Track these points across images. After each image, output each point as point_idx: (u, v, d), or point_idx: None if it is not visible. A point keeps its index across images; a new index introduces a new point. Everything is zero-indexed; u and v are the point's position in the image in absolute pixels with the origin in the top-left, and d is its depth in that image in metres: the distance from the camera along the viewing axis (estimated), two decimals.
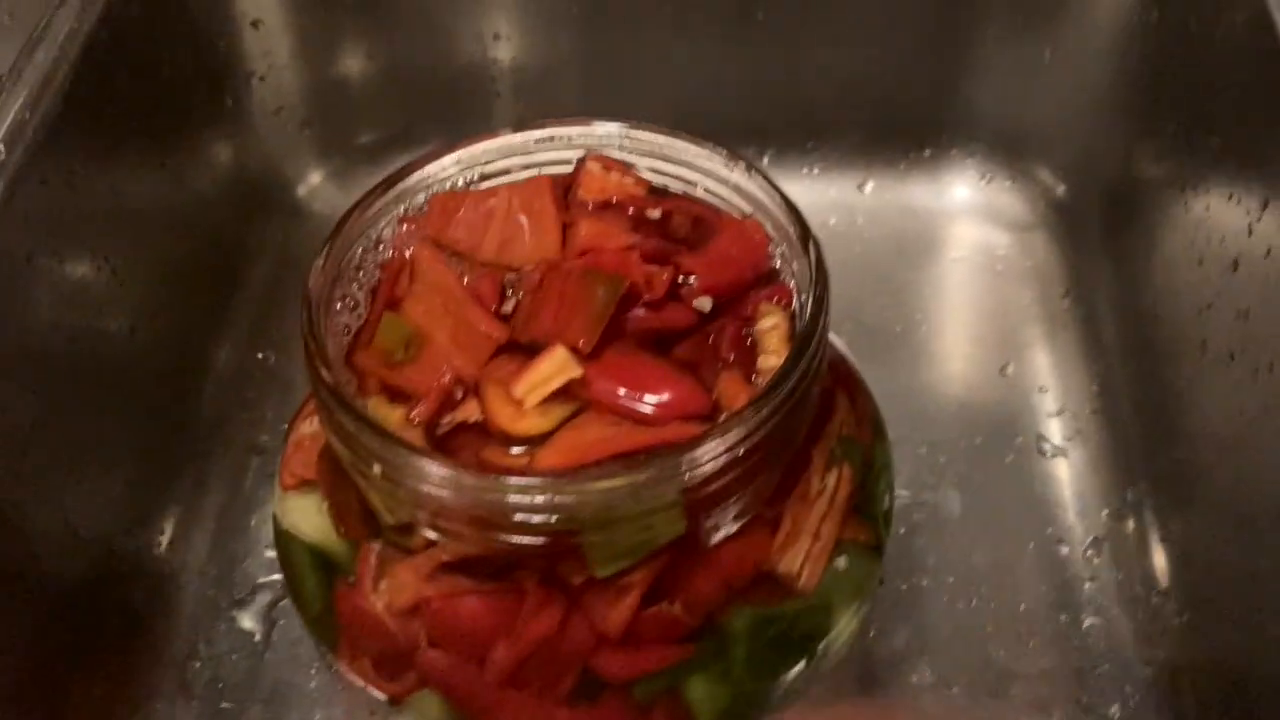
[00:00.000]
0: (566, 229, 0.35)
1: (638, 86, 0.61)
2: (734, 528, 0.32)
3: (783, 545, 0.32)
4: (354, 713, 0.45)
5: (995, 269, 0.60)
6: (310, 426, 0.36)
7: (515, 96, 0.62)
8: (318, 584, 0.34)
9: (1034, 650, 0.46)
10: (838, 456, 0.34)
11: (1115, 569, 0.49)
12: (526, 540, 0.29)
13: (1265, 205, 0.42)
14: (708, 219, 0.35)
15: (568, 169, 0.36)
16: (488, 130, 0.36)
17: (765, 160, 0.63)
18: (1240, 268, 0.44)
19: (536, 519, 0.28)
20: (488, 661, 0.31)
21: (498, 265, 0.34)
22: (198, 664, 0.47)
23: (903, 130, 0.63)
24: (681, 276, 0.34)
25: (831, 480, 0.33)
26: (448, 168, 0.35)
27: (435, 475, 0.27)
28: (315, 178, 0.63)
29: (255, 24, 0.58)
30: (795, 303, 0.33)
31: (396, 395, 0.32)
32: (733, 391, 0.32)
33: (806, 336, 0.30)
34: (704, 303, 0.33)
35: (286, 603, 0.48)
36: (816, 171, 0.64)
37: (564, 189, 0.36)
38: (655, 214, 0.35)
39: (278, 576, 0.49)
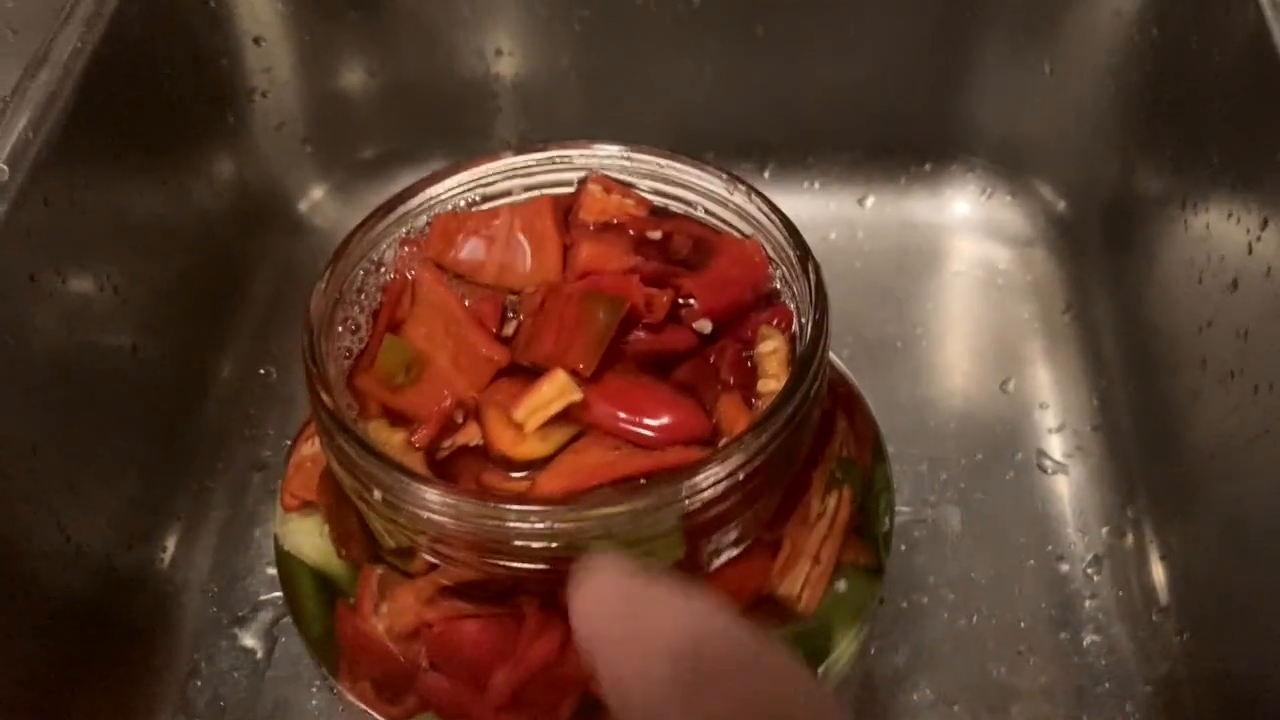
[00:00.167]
0: (567, 250, 0.35)
1: (639, 102, 0.61)
2: (734, 551, 0.32)
3: (782, 569, 0.32)
4: None
5: (996, 284, 0.60)
6: (311, 448, 0.36)
7: (517, 112, 0.62)
8: (319, 606, 0.34)
9: (1034, 668, 0.46)
10: (837, 479, 0.34)
11: (1115, 586, 0.49)
12: (527, 566, 0.29)
13: (1265, 224, 0.42)
14: (708, 240, 0.35)
15: (569, 190, 0.36)
16: (489, 145, 0.36)
17: (766, 175, 0.64)
18: (1240, 286, 0.44)
19: (537, 545, 0.28)
20: (488, 685, 0.31)
21: (499, 287, 0.34)
22: (199, 682, 0.47)
23: (903, 145, 0.63)
24: (682, 299, 0.34)
25: (831, 503, 0.33)
26: (449, 189, 0.35)
27: (436, 502, 0.27)
28: (317, 193, 0.63)
29: (257, 41, 0.58)
30: (795, 325, 0.33)
31: (397, 419, 0.32)
32: (732, 415, 0.32)
33: (806, 360, 0.30)
34: (704, 325, 0.33)
35: (288, 620, 0.48)
36: (817, 186, 0.64)
37: (565, 210, 0.36)
38: (656, 235, 0.35)
39: (279, 594, 0.49)
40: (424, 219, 0.35)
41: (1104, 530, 0.50)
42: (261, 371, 0.57)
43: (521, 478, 0.30)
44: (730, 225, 0.35)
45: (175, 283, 0.53)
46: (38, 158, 0.42)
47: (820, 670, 0.34)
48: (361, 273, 0.34)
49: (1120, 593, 0.48)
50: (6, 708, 0.41)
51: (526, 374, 0.32)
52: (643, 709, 0.22)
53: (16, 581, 0.42)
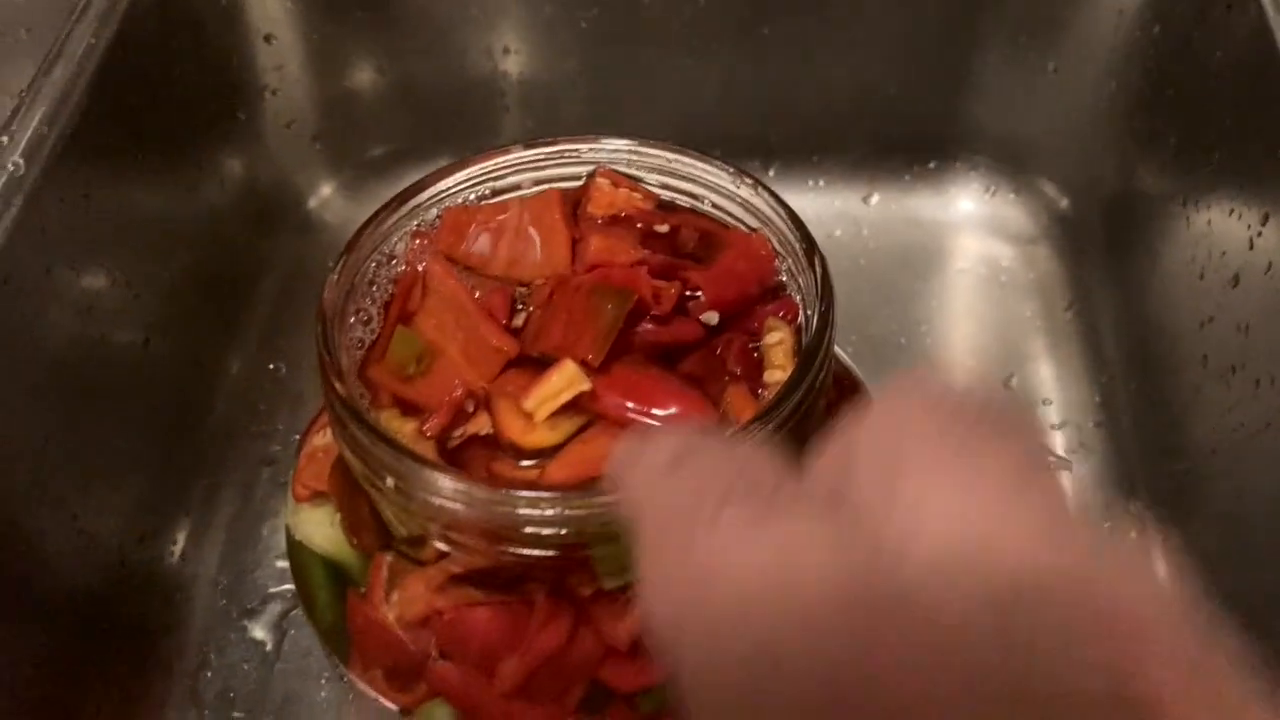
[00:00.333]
0: (576, 243, 0.35)
1: (645, 100, 0.62)
2: None
3: None
4: None
5: (999, 281, 0.61)
6: (323, 439, 0.36)
7: (524, 110, 0.62)
8: (330, 595, 0.34)
9: None
10: None
11: None
12: (537, 553, 0.29)
13: (1266, 220, 0.42)
14: (715, 234, 0.36)
15: (577, 184, 0.37)
16: (497, 143, 0.37)
17: (771, 173, 0.64)
18: (1241, 282, 0.44)
19: (547, 532, 0.28)
20: (498, 672, 0.31)
21: (508, 280, 0.35)
22: (209, 674, 0.47)
23: (907, 143, 0.64)
24: (689, 291, 0.34)
25: None
26: (459, 183, 0.36)
27: (448, 489, 0.28)
28: (326, 190, 0.64)
29: (268, 39, 0.58)
30: (801, 317, 0.34)
31: (409, 408, 0.32)
32: (739, 405, 0.32)
33: (812, 352, 0.30)
34: (710, 317, 0.34)
35: (297, 613, 0.49)
36: (822, 184, 0.64)
37: (573, 204, 0.36)
38: (663, 229, 0.36)
39: (288, 587, 0.49)
40: (434, 212, 0.36)
41: (1105, 526, 0.50)
42: (271, 367, 0.57)
43: (531, 466, 0.31)
44: (737, 219, 0.36)
45: (185, 279, 0.54)
46: (53, 152, 0.42)
47: None
48: (373, 265, 0.34)
49: None
50: (20, 699, 0.41)
51: (536, 365, 0.32)
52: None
53: (28, 576, 0.42)
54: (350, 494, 0.33)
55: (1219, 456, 0.46)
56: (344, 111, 0.62)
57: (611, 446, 0.31)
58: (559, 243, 0.35)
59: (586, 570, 0.30)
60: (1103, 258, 0.58)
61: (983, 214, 0.63)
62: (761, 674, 0.16)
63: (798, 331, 0.33)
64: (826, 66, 0.61)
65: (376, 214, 0.34)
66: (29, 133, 0.42)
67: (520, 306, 0.34)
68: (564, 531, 0.28)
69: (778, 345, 0.33)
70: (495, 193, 0.37)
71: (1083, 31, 0.57)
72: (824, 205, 0.63)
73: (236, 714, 0.46)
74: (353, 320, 0.33)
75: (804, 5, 0.59)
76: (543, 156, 0.37)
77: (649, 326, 0.33)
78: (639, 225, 0.36)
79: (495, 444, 0.31)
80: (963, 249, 0.62)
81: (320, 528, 0.35)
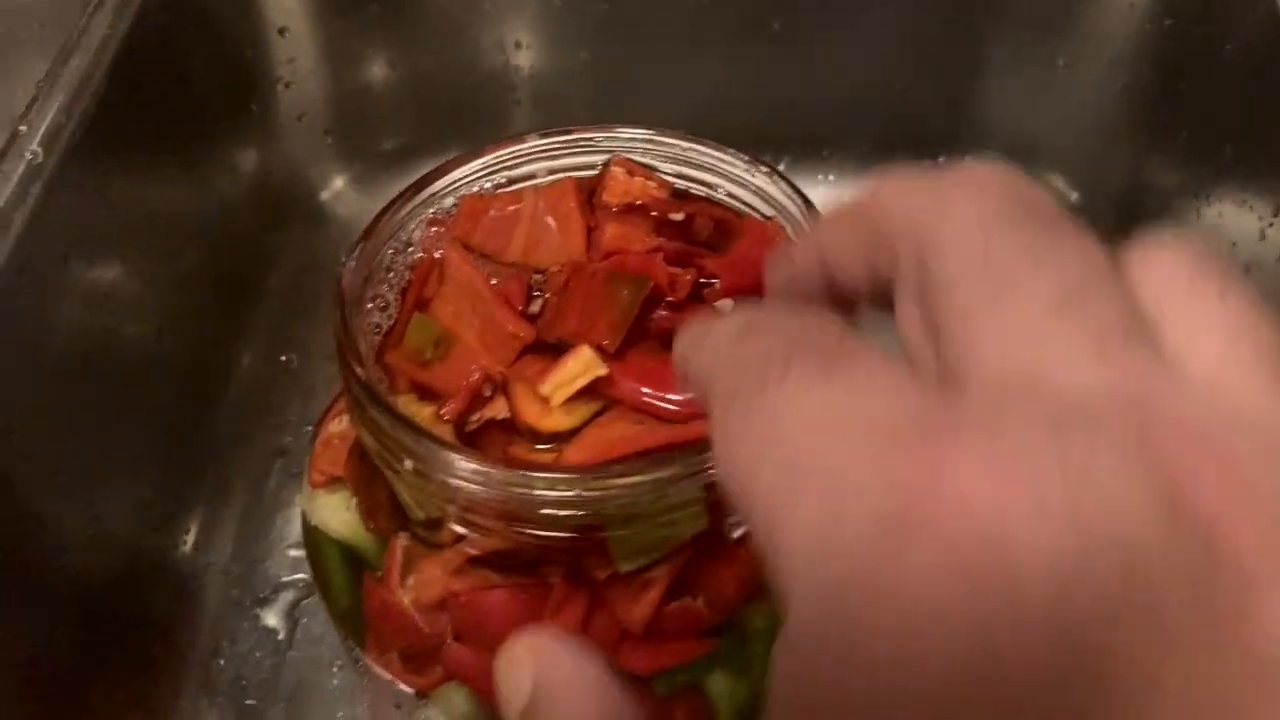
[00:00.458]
0: (591, 231, 0.36)
1: (655, 94, 0.62)
2: None
3: None
4: (379, 708, 0.45)
5: None
6: (339, 425, 0.36)
7: (534, 104, 0.63)
8: (346, 579, 0.35)
9: None
10: None
11: None
12: (553, 535, 0.29)
13: (1277, 211, 0.43)
14: (729, 222, 0.36)
15: (592, 173, 0.37)
16: (508, 137, 0.37)
17: (781, 166, 0.63)
18: (1252, 272, 0.44)
19: (564, 513, 0.28)
20: None
21: (524, 266, 0.35)
22: (221, 662, 0.48)
23: (916, 138, 0.64)
24: (704, 278, 0.34)
25: None
26: (475, 171, 0.36)
27: (467, 470, 0.28)
28: (338, 183, 0.64)
29: (281, 31, 0.59)
30: None
31: (426, 393, 0.32)
32: None
33: None
34: (726, 304, 0.34)
35: (309, 602, 0.49)
36: (831, 179, 0.64)
37: (588, 192, 0.37)
38: (678, 217, 0.36)
39: (300, 576, 0.50)
40: (450, 200, 0.36)
41: None
42: (282, 359, 0.57)
43: (547, 450, 0.31)
44: (751, 207, 0.36)
45: (197, 270, 0.54)
46: (70, 141, 0.43)
47: None
48: (390, 251, 0.34)
49: None
50: (34, 686, 0.42)
51: (551, 351, 0.33)
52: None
53: (45, 562, 0.43)
54: (367, 479, 0.33)
55: None
56: (356, 105, 0.62)
57: (627, 430, 0.32)
58: (574, 230, 0.35)
59: (603, 553, 0.30)
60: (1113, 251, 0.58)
61: None
62: (836, 505, 0.16)
63: None
64: (836, 60, 0.61)
65: (394, 201, 0.35)
66: (47, 122, 0.42)
67: (536, 293, 0.35)
68: (581, 513, 0.28)
69: None
70: (511, 181, 0.37)
71: (1092, 25, 0.58)
72: (834, 200, 0.62)
73: (249, 701, 0.47)
74: (370, 306, 0.34)
75: (813, 0, 0.59)
76: (558, 145, 0.37)
77: (664, 313, 0.33)
78: (654, 213, 0.36)
79: (512, 428, 0.31)
80: None
81: (336, 513, 0.35)
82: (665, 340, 0.33)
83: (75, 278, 0.44)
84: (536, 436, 0.31)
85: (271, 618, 0.49)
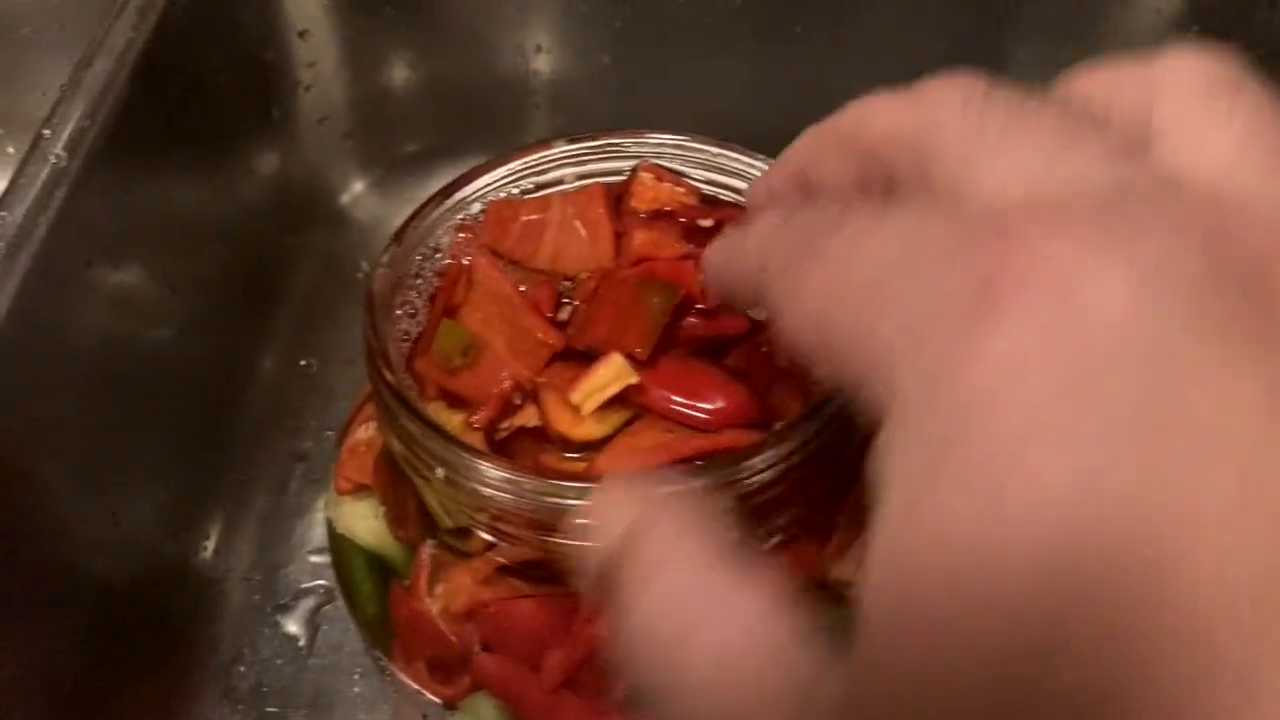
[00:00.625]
0: (620, 238, 0.35)
1: (677, 98, 0.62)
2: (786, 535, 0.32)
3: (834, 553, 0.33)
4: (402, 717, 0.45)
5: None
6: (365, 432, 0.36)
7: (554, 108, 0.62)
8: (373, 587, 0.34)
9: None
10: None
11: None
12: (586, 544, 0.29)
13: None
14: None
15: (620, 179, 0.37)
16: (526, 142, 0.37)
17: None
18: None
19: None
20: (543, 665, 0.31)
21: (553, 273, 0.35)
22: (242, 669, 0.47)
23: None
24: None
25: None
26: (502, 176, 0.36)
27: (499, 479, 0.28)
28: (358, 186, 0.64)
29: (302, 34, 0.58)
30: None
31: (455, 401, 0.32)
32: (786, 400, 0.32)
33: None
34: (758, 311, 0.33)
35: (330, 608, 0.49)
36: None
37: (616, 198, 0.36)
38: (707, 223, 0.36)
39: (321, 582, 0.50)
40: (478, 206, 0.36)
41: None
42: (302, 363, 0.57)
43: (578, 458, 0.31)
44: None
45: (217, 273, 0.54)
46: (93, 145, 0.42)
47: None
48: (418, 257, 0.34)
49: None
50: (53, 692, 0.41)
51: (581, 358, 0.32)
52: None
53: (67, 567, 0.42)
54: (395, 486, 0.33)
55: None
56: (376, 108, 0.62)
57: (658, 439, 0.31)
58: (603, 237, 0.35)
59: None
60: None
61: None
62: (925, 307, 0.17)
63: None
64: (858, 64, 0.61)
65: (422, 207, 0.34)
66: (70, 126, 0.42)
67: (565, 300, 0.34)
68: None
69: None
70: (539, 187, 0.36)
71: (1119, 31, 0.57)
72: None
73: (270, 709, 0.46)
74: (399, 313, 0.33)
75: (838, 4, 0.59)
76: (586, 151, 0.37)
77: (694, 320, 0.33)
78: (682, 220, 0.36)
79: (543, 436, 0.31)
80: None
81: (363, 520, 0.35)
82: (696, 348, 0.33)
83: (98, 281, 0.44)
84: (568, 445, 0.31)
85: (292, 624, 0.49)
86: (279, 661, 0.48)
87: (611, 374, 0.31)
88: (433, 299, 0.34)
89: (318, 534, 0.51)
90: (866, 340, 0.17)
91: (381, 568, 0.34)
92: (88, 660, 0.43)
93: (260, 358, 0.57)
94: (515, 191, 0.36)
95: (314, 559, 0.50)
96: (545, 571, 0.31)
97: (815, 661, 0.17)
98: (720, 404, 0.31)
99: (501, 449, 0.31)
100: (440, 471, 0.29)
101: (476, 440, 0.30)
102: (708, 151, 0.36)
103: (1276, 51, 0.47)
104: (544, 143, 0.36)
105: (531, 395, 0.32)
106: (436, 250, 0.35)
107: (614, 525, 0.21)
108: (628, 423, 0.31)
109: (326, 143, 0.62)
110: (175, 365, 0.50)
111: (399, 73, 0.61)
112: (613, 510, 0.21)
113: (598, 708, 0.32)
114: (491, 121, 0.63)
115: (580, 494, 0.28)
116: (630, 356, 0.31)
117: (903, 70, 0.65)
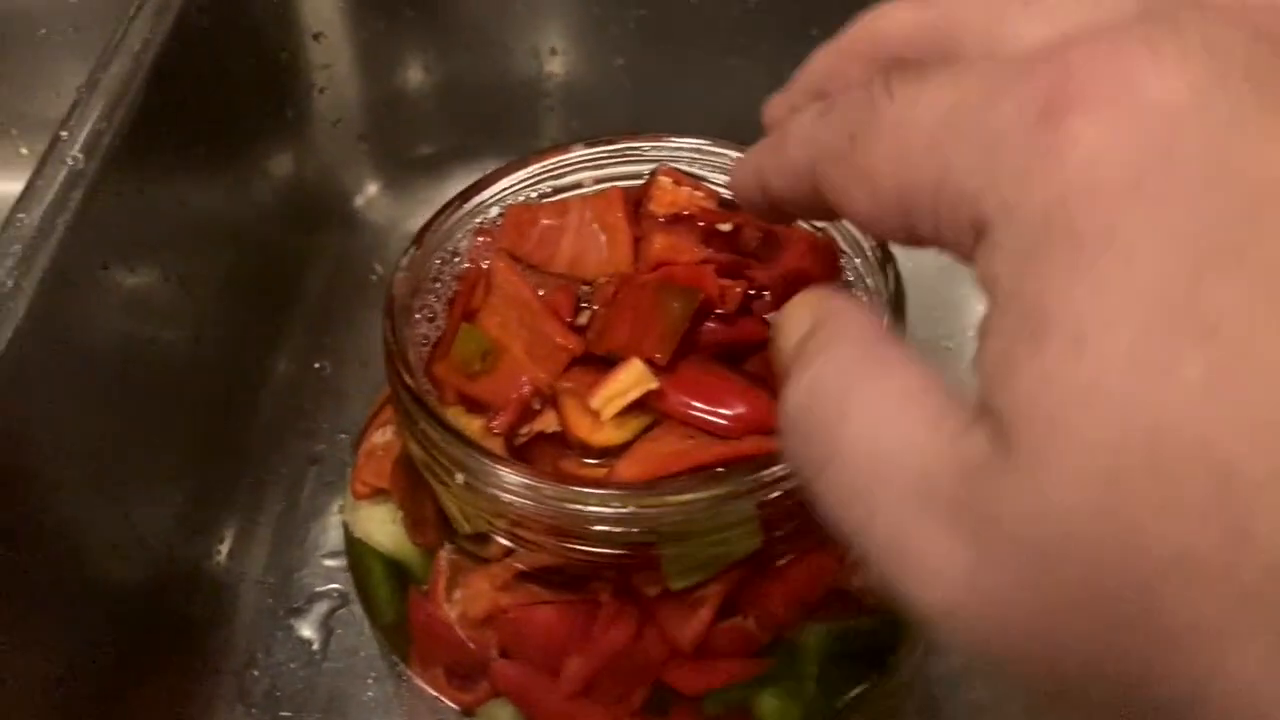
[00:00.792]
0: (638, 242, 0.35)
1: (692, 101, 0.61)
2: (808, 543, 0.32)
3: (855, 562, 0.32)
4: None
5: None
6: (382, 436, 0.36)
7: (568, 111, 0.62)
8: (390, 592, 0.34)
9: None
10: None
11: None
12: (604, 551, 0.29)
13: None
14: (778, 233, 0.35)
15: (638, 183, 0.36)
16: (540, 144, 0.37)
17: None
18: None
19: (617, 530, 0.28)
20: (561, 672, 0.31)
21: (571, 277, 0.35)
22: (256, 672, 0.47)
23: None
24: (754, 290, 0.34)
25: None
26: (521, 180, 0.36)
27: (519, 485, 0.28)
28: (372, 189, 0.64)
29: (317, 37, 0.58)
30: None
31: (474, 406, 0.32)
32: None
33: None
34: (777, 316, 0.33)
35: (344, 612, 0.49)
36: None
37: (634, 202, 0.36)
38: (726, 227, 0.35)
39: (335, 586, 0.49)
40: (496, 210, 0.36)
41: None
42: (316, 366, 0.57)
43: (598, 464, 0.30)
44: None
45: (232, 276, 0.54)
46: (110, 147, 0.42)
47: (891, 663, 0.34)
48: (437, 261, 0.34)
49: None
50: (68, 695, 0.41)
51: (600, 363, 0.32)
52: None
53: (78, 574, 0.42)
54: (413, 491, 0.33)
55: None
56: (391, 110, 0.62)
57: (678, 445, 0.31)
58: (622, 241, 0.35)
59: (654, 570, 0.30)
60: None
61: None
62: (989, 140, 0.17)
63: None
64: None
65: (440, 211, 0.34)
66: (87, 128, 0.42)
67: (584, 304, 0.34)
68: (634, 530, 0.28)
69: None
70: (557, 191, 0.36)
71: None
72: None
73: (284, 713, 0.46)
74: (417, 317, 0.33)
75: (852, 5, 0.59)
76: (604, 154, 0.37)
77: (714, 325, 0.33)
78: (701, 224, 0.36)
79: (562, 442, 0.31)
80: None
81: (381, 525, 0.34)
82: (715, 353, 0.33)
83: (115, 283, 0.44)
84: (587, 451, 0.30)
85: (306, 628, 0.48)
86: (293, 665, 0.47)
87: (631, 379, 0.31)
88: (451, 303, 0.34)
89: (332, 537, 0.51)
90: (943, 186, 0.18)
91: (399, 573, 0.34)
92: (102, 663, 0.43)
93: (274, 360, 0.57)
94: (534, 195, 0.36)
95: (328, 562, 0.50)
96: (564, 578, 0.31)
97: (963, 422, 0.18)
98: (741, 410, 0.31)
99: (521, 454, 0.31)
100: (460, 477, 0.29)
101: (496, 445, 0.30)
102: (726, 155, 0.36)
103: None
104: (562, 146, 0.36)
105: (551, 400, 0.31)
106: (455, 254, 0.35)
107: (801, 321, 0.22)
108: (647, 428, 0.31)
109: (341, 145, 0.62)
110: (189, 367, 0.50)
111: (413, 75, 0.61)
112: (800, 309, 0.23)
113: (616, 715, 0.32)
114: (505, 124, 0.62)
115: (602, 501, 0.28)
116: (650, 362, 0.31)
117: None
